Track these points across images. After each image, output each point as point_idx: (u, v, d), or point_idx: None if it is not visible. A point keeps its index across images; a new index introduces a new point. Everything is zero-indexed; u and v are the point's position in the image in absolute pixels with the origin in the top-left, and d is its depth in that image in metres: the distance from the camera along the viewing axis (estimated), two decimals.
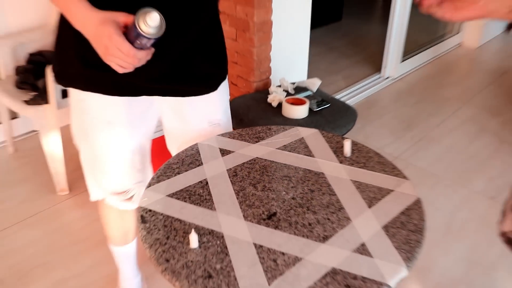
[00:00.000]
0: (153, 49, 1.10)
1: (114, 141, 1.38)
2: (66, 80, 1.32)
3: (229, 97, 1.54)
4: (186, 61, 1.31)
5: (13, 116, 2.90)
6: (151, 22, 1.01)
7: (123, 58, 1.06)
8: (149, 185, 1.24)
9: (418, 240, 1.05)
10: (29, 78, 2.51)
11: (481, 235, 2.28)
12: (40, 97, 2.36)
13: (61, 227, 2.31)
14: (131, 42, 1.05)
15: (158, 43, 1.09)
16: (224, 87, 1.47)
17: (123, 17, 1.06)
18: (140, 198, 1.46)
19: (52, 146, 2.41)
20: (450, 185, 2.64)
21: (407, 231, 1.08)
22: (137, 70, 1.11)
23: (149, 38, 1.04)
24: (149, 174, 1.55)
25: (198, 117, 1.45)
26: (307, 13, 2.69)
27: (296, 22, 2.64)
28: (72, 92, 1.36)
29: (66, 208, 2.44)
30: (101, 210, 1.64)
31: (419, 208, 1.16)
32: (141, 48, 1.07)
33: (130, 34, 1.05)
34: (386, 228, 1.09)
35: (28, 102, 2.38)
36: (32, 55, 2.71)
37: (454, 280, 2.04)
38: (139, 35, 1.03)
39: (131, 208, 1.54)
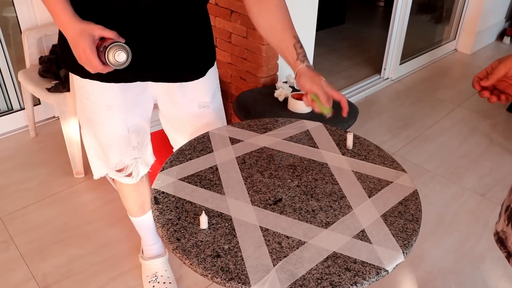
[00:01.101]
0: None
1: (112, 122, 1.43)
2: (69, 65, 1.35)
3: (218, 81, 1.57)
4: (176, 50, 1.34)
5: (35, 102, 2.89)
6: (118, 58, 1.10)
7: (92, 69, 1.14)
8: (163, 168, 1.23)
9: (414, 229, 1.05)
10: (52, 67, 2.51)
11: (470, 229, 2.27)
12: (61, 85, 2.36)
13: (77, 208, 2.31)
14: (101, 55, 1.12)
15: (149, 36, 1.25)
16: (212, 72, 1.50)
17: (99, 31, 1.12)
18: (140, 174, 1.55)
19: (71, 131, 2.40)
20: (443, 181, 2.63)
21: (404, 220, 1.07)
22: (131, 63, 1.15)
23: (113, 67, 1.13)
24: (148, 152, 1.58)
25: (189, 100, 1.48)
26: (313, 16, 2.67)
27: (303, 24, 2.62)
28: (74, 78, 1.40)
29: (81, 190, 2.43)
30: (118, 185, 1.68)
31: (415, 199, 1.15)
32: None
33: (101, 52, 1.11)
34: (384, 216, 1.08)
35: (50, 90, 2.37)
36: (55, 46, 2.70)
37: (444, 270, 2.03)
38: (106, 61, 1.11)
39: (132, 182, 1.58)
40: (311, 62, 2.79)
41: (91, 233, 2.16)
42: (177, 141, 1.60)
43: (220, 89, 1.60)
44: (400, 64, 3.91)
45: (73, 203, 2.34)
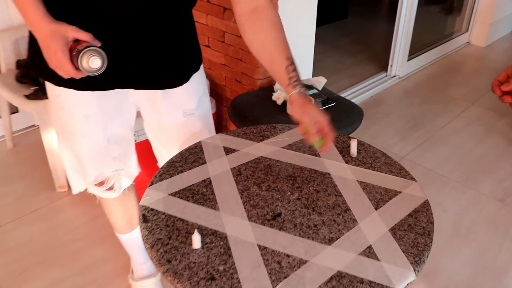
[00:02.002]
0: None
1: (90, 133, 1.43)
2: (41, 71, 1.34)
3: (205, 86, 1.57)
4: (157, 55, 1.34)
5: (13, 110, 2.89)
6: (92, 64, 1.09)
7: (64, 73, 1.13)
8: (151, 183, 1.23)
9: (426, 244, 1.05)
10: (30, 72, 2.51)
11: (490, 238, 2.27)
12: (41, 91, 2.35)
13: (60, 225, 2.31)
14: (73, 60, 1.11)
15: (128, 39, 1.25)
16: (197, 77, 1.50)
17: (73, 32, 1.11)
18: (122, 187, 1.55)
19: (52, 141, 2.40)
20: (458, 186, 2.63)
21: (414, 234, 1.07)
22: (108, 68, 1.14)
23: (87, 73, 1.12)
24: (132, 163, 1.58)
25: (173, 108, 1.48)
26: (313, 11, 2.67)
27: (302, 20, 2.63)
28: (48, 86, 1.40)
29: (65, 205, 2.43)
30: (102, 199, 1.68)
31: (427, 210, 1.15)
32: None
33: (74, 56, 1.10)
34: (393, 230, 1.08)
35: (28, 97, 2.37)
36: None
37: (462, 285, 2.03)
38: (79, 66, 1.09)
39: (114, 196, 1.58)
40: (311, 59, 2.80)
41: (76, 252, 2.15)
42: (162, 154, 1.60)
43: (208, 95, 1.60)
44: (408, 60, 3.92)
45: (55, 220, 2.34)
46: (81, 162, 1.49)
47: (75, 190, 1.60)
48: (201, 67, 1.53)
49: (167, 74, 1.40)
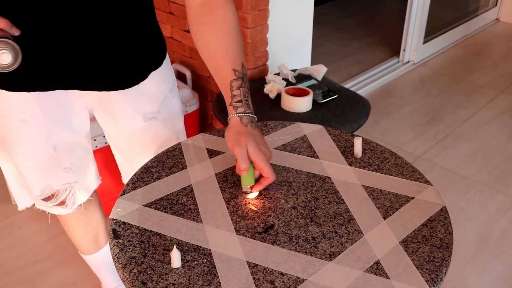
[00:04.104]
0: None
1: (31, 140, 1.41)
2: None
3: (172, 85, 1.54)
4: (104, 49, 1.30)
5: None
6: (1, 61, 1.06)
7: None
8: (123, 192, 1.24)
9: (444, 258, 1.06)
10: None
11: None
12: None
13: (16, 244, 2.31)
14: None
15: (67, 29, 1.20)
16: (159, 74, 1.47)
17: None
18: (77, 202, 1.54)
19: None
20: (484, 190, 2.65)
21: (430, 247, 1.08)
22: (45, 65, 1.13)
23: None
24: (89, 175, 1.58)
25: (130, 111, 1.46)
26: None
27: None
28: None
29: (22, 221, 2.43)
30: (60, 216, 1.66)
31: (444, 219, 1.16)
32: None
33: None
34: (405, 243, 1.09)
35: None
36: None
37: None
38: None
39: (66, 212, 1.57)
40: (309, 45, 2.81)
41: (36, 275, 2.16)
42: (123, 166, 1.60)
43: (177, 95, 1.57)
44: (423, 43, 3.93)
45: (11, 238, 2.34)
46: (23, 175, 1.47)
47: (21, 206, 1.58)
48: (166, 61, 1.49)
49: (117, 72, 1.36)
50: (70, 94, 1.40)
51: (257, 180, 1.23)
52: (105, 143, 2.10)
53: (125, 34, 1.32)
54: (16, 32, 1.07)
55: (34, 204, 1.57)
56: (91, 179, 1.58)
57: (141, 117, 1.47)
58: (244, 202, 1.21)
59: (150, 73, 1.43)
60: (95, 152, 2.02)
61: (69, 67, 1.29)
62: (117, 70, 1.36)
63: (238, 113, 1.23)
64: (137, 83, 1.42)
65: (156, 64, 1.45)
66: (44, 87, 1.33)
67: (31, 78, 1.16)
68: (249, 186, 1.22)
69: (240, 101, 1.23)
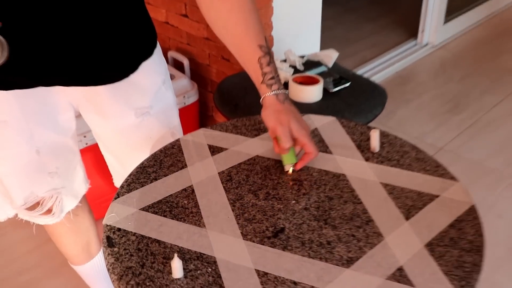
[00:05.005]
0: None
1: (11, 144, 1.40)
2: None
3: (165, 76, 1.54)
4: (89, 39, 1.29)
5: None
6: None
7: None
8: (117, 195, 1.24)
9: (475, 263, 1.05)
10: None
11: None
12: None
13: (2, 253, 2.31)
14: None
15: (47, 20, 1.19)
16: (151, 65, 1.46)
17: None
18: (64, 210, 1.53)
19: None
20: None
21: (459, 251, 1.08)
22: (24, 59, 1.13)
23: None
24: (77, 178, 1.58)
25: (120, 107, 1.45)
26: None
27: None
28: None
29: (8, 227, 2.44)
30: (47, 225, 1.65)
31: (474, 218, 1.15)
32: None
33: None
34: (430, 246, 1.09)
35: None
36: None
37: None
38: None
39: (54, 222, 1.56)
40: (319, 28, 2.80)
41: (24, 286, 2.16)
42: (114, 167, 1.59)
43: (171, 87, 1.57)
44: (444, 23, 3.92)
45: None
46: (4, 182, 1.46)
47: (2, 216, 1.57)
48: (157, 50, 1.48)
49: (104, 63, 1.35)
50: (53, 91, 1.39)
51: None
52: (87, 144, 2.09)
53: (111, 22, 1.31)
54: None
55: (17, 214, 1.55)
56: (79, 183, 1.58)
57: (132, 113, 1.46)
58: (251, 204, 1.20)
59: (140, 64, 1.43)
60: (85, 150, 2.02)
61: (50, 60, 1.27)
62: (104, 61, 1.35)
63: (273, 91, 1.25)
64: (126, 75, 1.41)
65: (146, 54, 1.44)
66: (23, 85, 1.32)
67: (8, 75, 1.15)
68: (292, 164, 1.27)
69: (273, 77, 1.26)
